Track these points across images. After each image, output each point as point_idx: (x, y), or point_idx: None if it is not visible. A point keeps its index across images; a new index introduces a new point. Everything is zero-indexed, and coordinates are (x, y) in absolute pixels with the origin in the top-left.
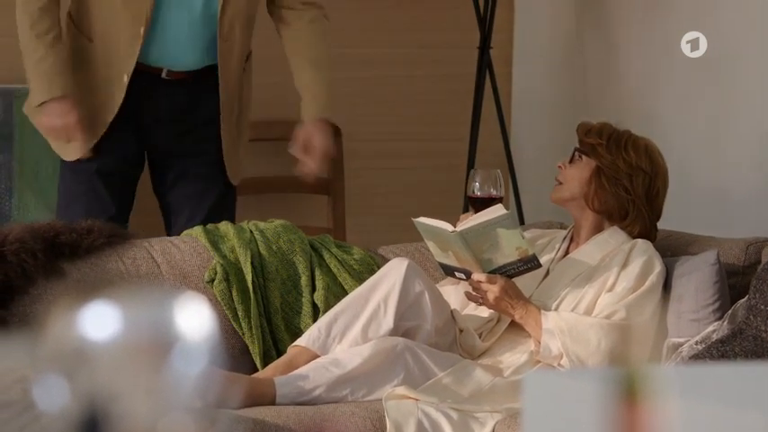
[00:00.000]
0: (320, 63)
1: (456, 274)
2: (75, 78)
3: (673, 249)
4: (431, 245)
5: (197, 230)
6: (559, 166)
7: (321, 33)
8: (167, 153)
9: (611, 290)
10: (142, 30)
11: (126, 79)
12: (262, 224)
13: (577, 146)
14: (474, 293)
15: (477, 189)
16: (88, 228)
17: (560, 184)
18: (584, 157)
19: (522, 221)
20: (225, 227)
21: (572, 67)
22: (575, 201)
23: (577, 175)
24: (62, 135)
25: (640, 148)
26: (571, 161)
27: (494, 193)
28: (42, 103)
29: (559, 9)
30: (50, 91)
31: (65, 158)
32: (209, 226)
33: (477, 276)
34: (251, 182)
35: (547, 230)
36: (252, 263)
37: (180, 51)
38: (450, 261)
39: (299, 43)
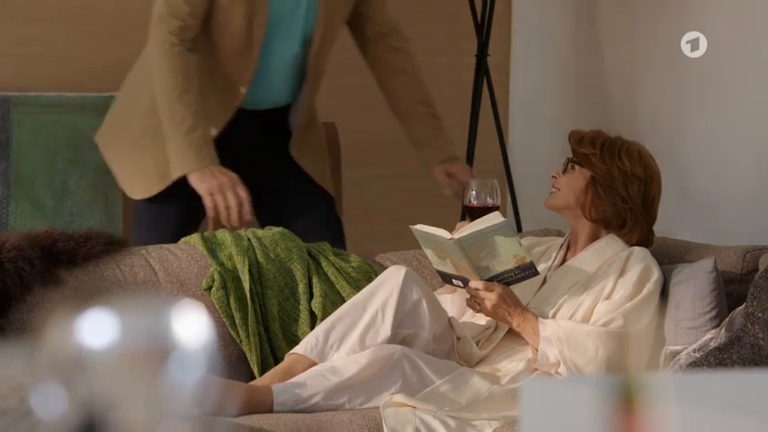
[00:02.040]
0: (430, 102)
1: (453, 281)
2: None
3: (670, 257)
4: (428, 252)
5: (195, 238)
6: (553, 176)
7: (418, 69)
8: (271, 187)
9: (608, 298)
10: (243, 87)
11: (243, 91)
12: (259, 232)
13: (570, 156)
14: (471, 301)
15: (473, 198)
16: (85, 235)
17: (556, 190)
18: (577, 167)
19: (519, 229)
20: (222, 235)
21: (569, 75)
22: (570, 209)
23: (572, 185)
24: (232, 209)
25: (634, 154)
26: (564, 171)
27: (490, 202)
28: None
29: (557, 18)
30: (202, 161)
31: (140, 195)
32: (207, 233)
33: (475, 284)
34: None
35: (543, 238)
36: (249, 270)
37: (270, 93)
38: (448, 269)
39: (404, 87)
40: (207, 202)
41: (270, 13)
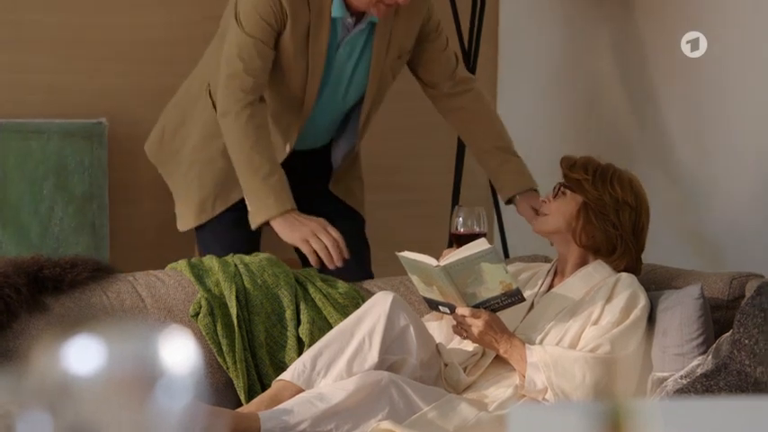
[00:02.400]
0: (507, 139)
1: (440, 308)
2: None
3: (657, 283)
4: (415, 279)
5: (182, 264)
6: (543, 201)
7: (488, 105)
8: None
9: (595, 323)
10: (295, 135)
11: (289, 149)
12: (247, 258)
13: (562, 180)
14: (458, 327)
15: (460, 225)
16: (72, 262)
17: (545, 215)
18: (568, 192)
19: (506, 255)
20: (210, 261)
21: (556, 101)
22: (559, 234)
23: (563, 210)
24: (332, 249)
25: (625, 182)
26: (555, 195)
27: (477, 229)
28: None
29: (545, 43)
30: (283, 206)
31: (181, 227)
32: (194, 260)
33: (462, 310)
34: None
35: (531, 264)
36: (237, 297)
37: (315, 140)
38: (435, 295)
39: (478, 128)
40: (304, 249)
41: (324, 73)
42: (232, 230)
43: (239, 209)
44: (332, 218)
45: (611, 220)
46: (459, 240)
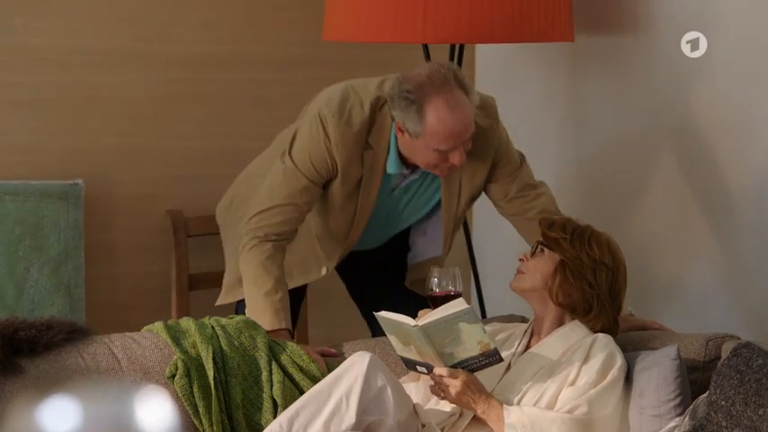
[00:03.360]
0: None
1: (418, 368)
2: None
3: (633, 343)
4: (392, 339)
5: (158, 326)
6: (521, 259)
7: (554, 203)
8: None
9: (572, 384)
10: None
11: (324, 272)
12: (223, 320)
13: (540, 239)
14: (436, 388)
15: (435, 286)
16: (47, 324)
17: (522, 273)
18: (546, 250)
19: (483, 315)
20: (186, 323)
21: (534, 157)
22: (536, 292)
23: (540, 268)
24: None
25: (603, 243)
26: (533, 254)
27: (452, 290)
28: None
29: (523, 98)
30: (279, 323)
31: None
32: (171, 322)
33: (439, 371)
34: (207, 276)
35: (507, 324)
36: (213, 358)
37: (371, 244)
38: (412, 355)
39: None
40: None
41: (376, 209)
42: None
43: None
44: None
45: (588, 280)
46: (434, 301)
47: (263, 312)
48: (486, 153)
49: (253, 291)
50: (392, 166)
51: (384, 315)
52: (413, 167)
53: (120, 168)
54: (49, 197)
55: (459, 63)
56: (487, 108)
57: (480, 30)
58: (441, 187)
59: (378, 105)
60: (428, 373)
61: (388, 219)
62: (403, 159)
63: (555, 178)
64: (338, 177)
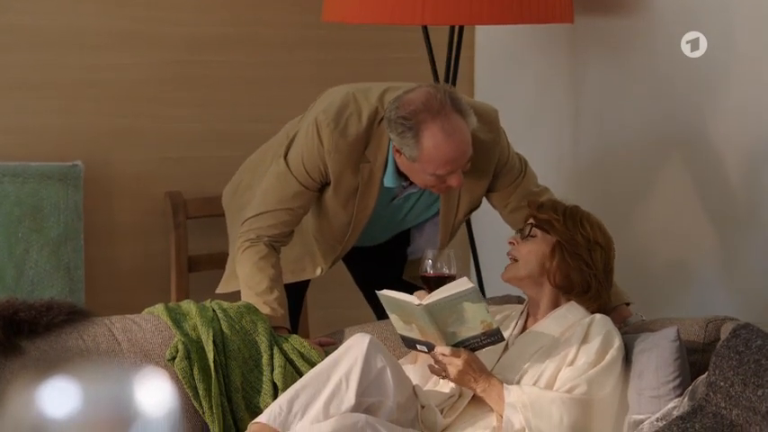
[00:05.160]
0: None
1: (418, 346)
2: None
3: (633, 325)
4: (393, 318)
5: (159, 308)
6: (512, 242)
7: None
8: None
9: (571, 364)
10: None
11: (319, 273)
12: (225, 304)
13: (531, 221)
14: (436, 366)
15: (429, 267)
16: (47, 305)
17: (515, 261)
18: (539, 232)
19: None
20: (187, 305)
21: (532, 140)
22: (530, 278)
23: (535, 251)
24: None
25: (594, 223)
26: (524, 237)
27: (446, 271)
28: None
29: (521, 86)
30: (275, 322)
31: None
32: (172, 304)
33: (441, 349)
34: (207, 258)
35: (504, 306)
36: (214, 341)
37: (372, 241)
38: (413, 334)
39: None
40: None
41: (374, 215)
42: None
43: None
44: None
45: (585, 260)
46: (428, 283)
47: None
48: (487, 167)
49: (247, 292)
50: (390, 181)
51: (386, 293)
52: (411, 180)
53: (119, 150)
54: (48, 179)
55: (459, 44)
56: (489, 121)
57: (479, 11)
58: (440, 199)
59: (376, 119)
60: (428, 352)
61: (388, 224)
62: (401, 173)
63: (552, 161)
64: (331, 186)
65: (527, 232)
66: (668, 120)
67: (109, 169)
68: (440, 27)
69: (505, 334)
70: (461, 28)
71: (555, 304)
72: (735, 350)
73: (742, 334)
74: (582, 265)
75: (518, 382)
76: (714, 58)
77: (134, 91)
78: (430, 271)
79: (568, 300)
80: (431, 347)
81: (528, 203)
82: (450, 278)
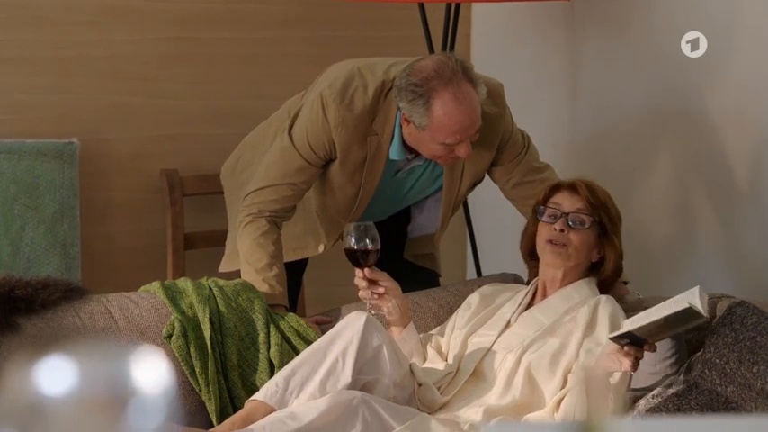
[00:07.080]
0: None
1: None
2: None
3: (630, 304)
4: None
5: (155, 286)
6: (561, 229)
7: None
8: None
9: (576, 344)
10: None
11: (322, 249)
12: (221, 281)
13: (583, 208)
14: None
15: (353, 243)
16: (44, 282)
17: (563, 246)
18: (587, 219)
19: (479, 274)
20: (184, 283)
21: (529, 117)
22: (578, 266)
23: (587, 241)
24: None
25: (607, 193)
26: (575, 226)
27: (370, 246)
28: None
29: (517, 59)
30: (274, 299)
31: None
32: (168, 282)
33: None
34: (203, 236)
35: (507, 285)
36: (210, 319)
37: (374, 217)
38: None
39: None
40: None
41: (379, 189)
42: None
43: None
44: (407, 284)
45: (619, 237)
46: (353, 256)
47: (259, 289)
48: (492, 141)
49: (247, 268)
50: (395, 153)
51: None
52: (416, 153)
53: (115, 127)
54: (44, 156)
55: (455, 22)
56: (495, 95)
57: None
58: (444, 173)
59: (383, 92)
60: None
61: (391, 199)
62: (406, 146)
63: (550, 139)
64: (337, 160)
65: (578, 221)
66: (666, 97)
67: (105, 146)
68: (436, 4)
69: (511, 309)
70: (458, 5)
71: (568, 282)
72: (730, 327)
73: (737, 311)
74: (618, 243)
75: (520, 356)
76: (714, 35)
77: (130, 68)
78: (354, 245)
79: (583, 277)
80: (639, 342)
81: (555, 187)
82: (373, 252)
